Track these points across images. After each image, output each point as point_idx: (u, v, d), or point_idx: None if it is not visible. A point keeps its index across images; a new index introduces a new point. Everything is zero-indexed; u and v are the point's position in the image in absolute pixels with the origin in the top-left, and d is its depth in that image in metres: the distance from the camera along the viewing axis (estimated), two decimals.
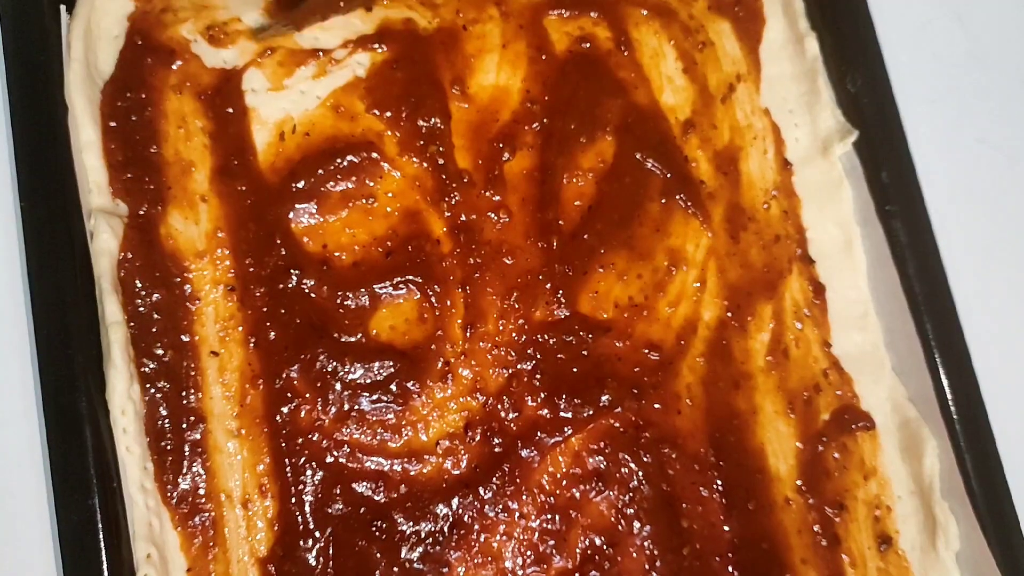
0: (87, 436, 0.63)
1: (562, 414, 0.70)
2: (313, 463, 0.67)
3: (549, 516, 0.69)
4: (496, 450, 0.69)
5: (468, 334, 0.71)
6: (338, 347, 0.69)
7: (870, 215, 0.75)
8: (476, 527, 0.68)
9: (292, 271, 0.69)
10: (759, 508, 0.71)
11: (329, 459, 0.67)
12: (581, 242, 0.73)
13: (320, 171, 0.72)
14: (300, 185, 0.71)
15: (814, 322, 0.75)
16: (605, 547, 0.69)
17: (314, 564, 0.65)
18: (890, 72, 0.76)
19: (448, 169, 0.73)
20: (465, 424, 0.69)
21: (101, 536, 0.61)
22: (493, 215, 0.73)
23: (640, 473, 0.70)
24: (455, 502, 0.68)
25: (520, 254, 0.72)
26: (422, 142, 0.73)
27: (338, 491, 0.67)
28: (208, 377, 0.67)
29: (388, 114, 0.74)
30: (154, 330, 0.67)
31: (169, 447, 0.65)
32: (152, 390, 0.66)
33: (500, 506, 0.68)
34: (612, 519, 0.69)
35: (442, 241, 0.72)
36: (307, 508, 0.66)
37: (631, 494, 0.69)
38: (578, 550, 0.68)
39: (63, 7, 0.70)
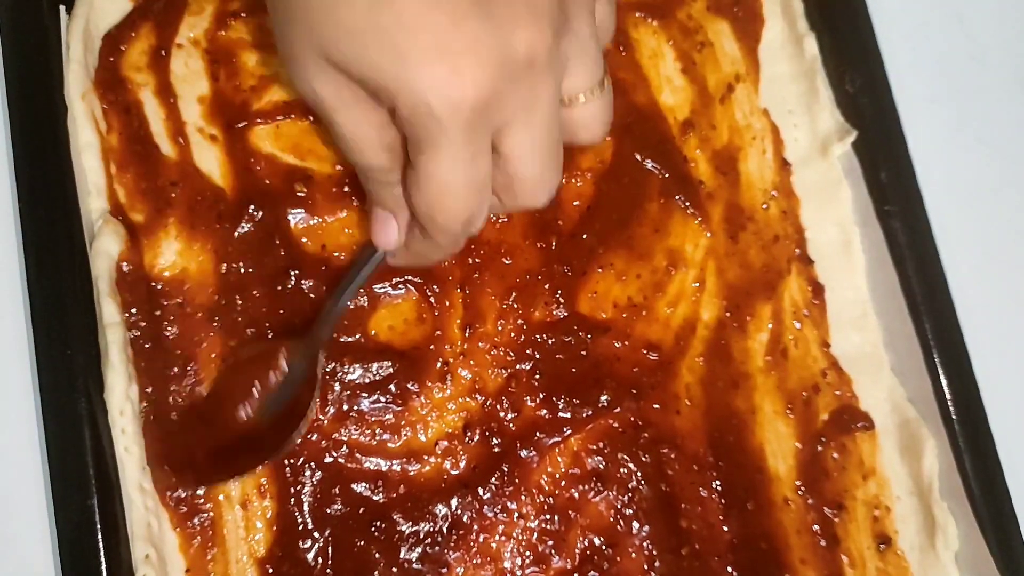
0: (86, 437, 0.63)
1: (561, 414, 0.70)
2: (312, 463, 0.67)
3: (548, 516, 0.69)
4: (495, 450, 0.69)
5: (467, 334, 0.70)
6: (337, 347, 0.69)
7: (869, 215, 0.74)
8: (475, 527, 0.68)
9: (291, 271, 0.69)
10: (758, 508, 0.70)
11: (328, 459, 0.67)
12: (580, 242, 0.73)
13: None
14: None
15: (813, 322, 0.75)
16: (604, 547, 0.69)
17: (313, 564, 0.65)
18: (890, 72, 0.76)
19: None
20: (464, 424, 0.69)
21: (100, 536, 0.61)
22: (491, 215, 0.73)
23: (639, 473, 0.70)
24: (454, 502, 0.68)
25: (519, 254, 0.72)
26: None
27: (337, 491, 0.66)
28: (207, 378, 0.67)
29: None
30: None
31: None
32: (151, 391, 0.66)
33: (499, 506, 0.68)
34: (611, 519, 0.69)
35: None
36: (306, 508, 0.66)
37: (630, 494, 0.69)
38: (577, 550, 0.68)
39: (62, 7, 0.70)
